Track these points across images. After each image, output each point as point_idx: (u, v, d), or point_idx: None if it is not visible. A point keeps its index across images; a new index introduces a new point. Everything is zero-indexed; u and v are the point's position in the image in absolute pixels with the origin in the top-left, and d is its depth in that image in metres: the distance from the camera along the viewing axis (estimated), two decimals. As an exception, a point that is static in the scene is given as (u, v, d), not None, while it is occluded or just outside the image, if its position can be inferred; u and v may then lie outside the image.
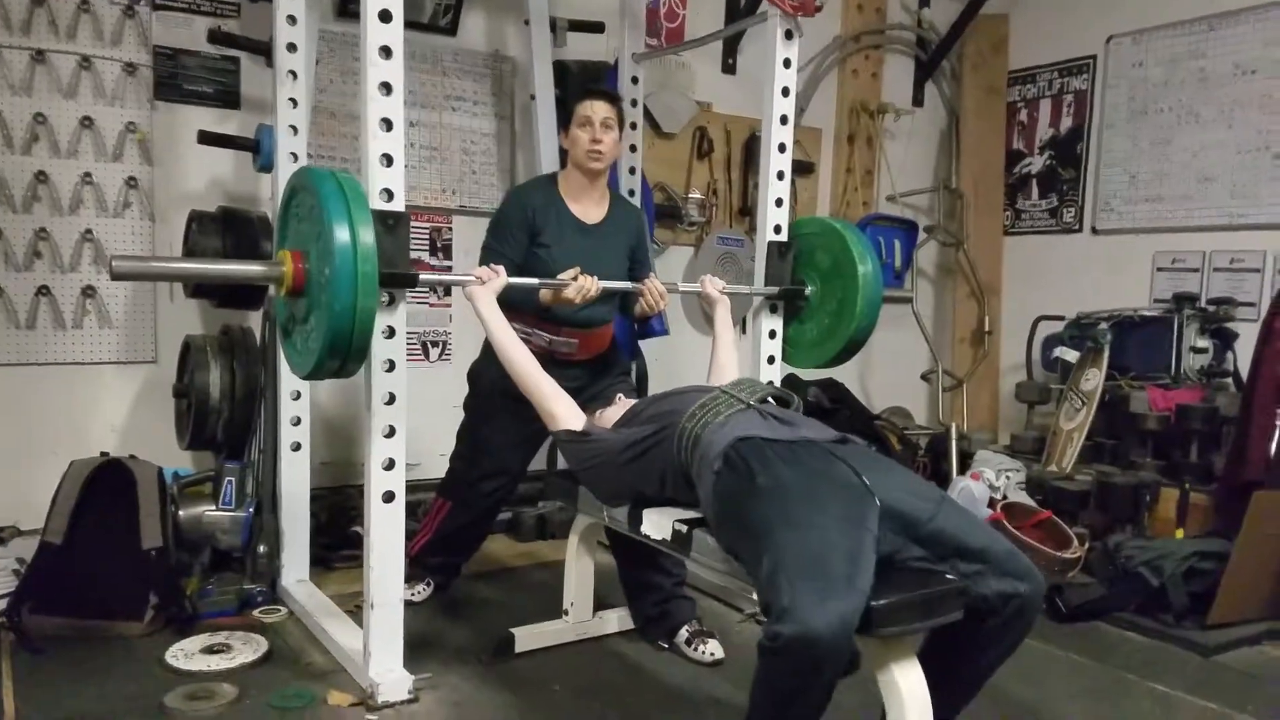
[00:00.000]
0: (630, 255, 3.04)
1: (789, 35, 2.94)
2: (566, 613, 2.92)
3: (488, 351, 2.95)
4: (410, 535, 2.91)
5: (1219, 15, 4.45)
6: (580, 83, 4.05)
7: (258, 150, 3.38)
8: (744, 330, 3.61)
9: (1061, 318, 4.68)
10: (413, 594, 3.12)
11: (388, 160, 2.31)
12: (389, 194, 2.31)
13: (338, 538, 3.59)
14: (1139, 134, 4.80)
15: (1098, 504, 3.84)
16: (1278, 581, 3.24)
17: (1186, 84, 4.60)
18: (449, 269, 4.10)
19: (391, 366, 2.38)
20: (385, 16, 2.28)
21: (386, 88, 2.30)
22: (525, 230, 2.86)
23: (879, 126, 5.20)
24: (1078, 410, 4.27)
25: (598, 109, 2.87)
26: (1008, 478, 4.10)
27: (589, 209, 2.96)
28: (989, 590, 1.88)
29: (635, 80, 3.85)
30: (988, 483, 4.05)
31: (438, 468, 3.31)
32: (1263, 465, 3.40)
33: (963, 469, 4.38)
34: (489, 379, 2.96)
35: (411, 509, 2.74)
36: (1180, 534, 3.57)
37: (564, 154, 3.05)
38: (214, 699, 2.42)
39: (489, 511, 3.20)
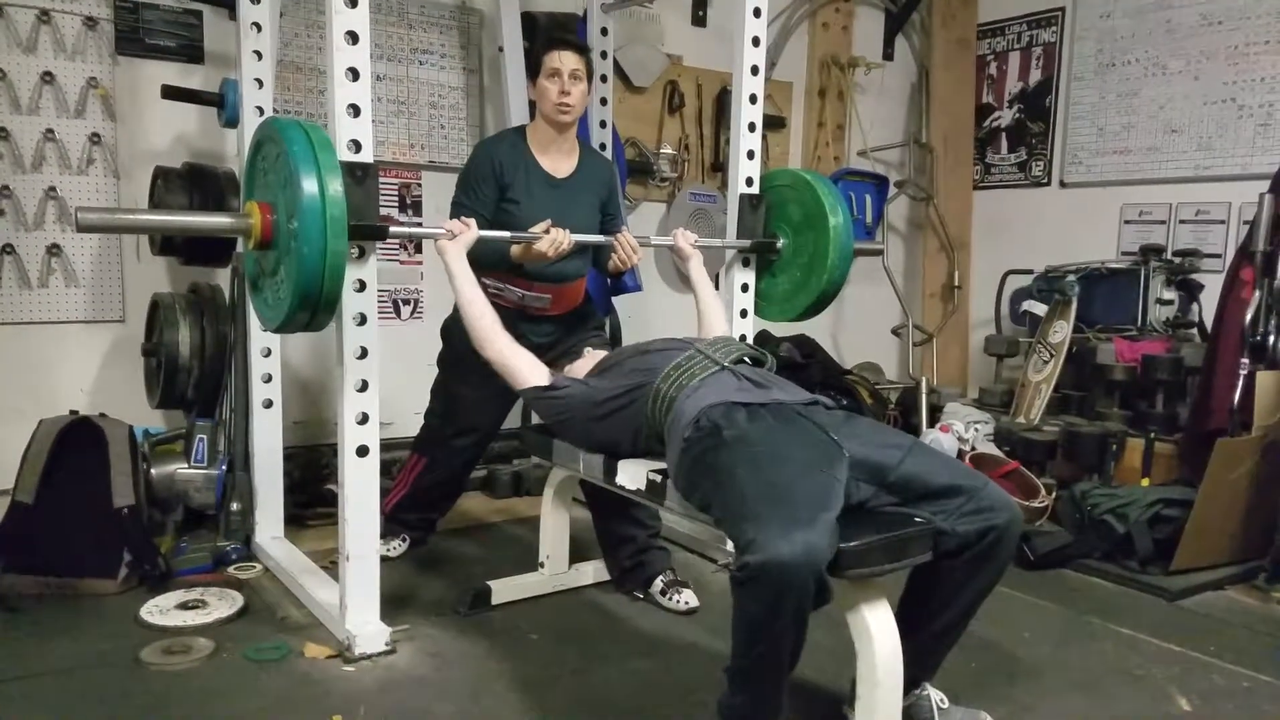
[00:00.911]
0: (602, 209, 3.03)
1: (759, -16, 2.93)
2: (542, 565, 2.94)
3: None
4: (385, 492, 2.92)
5: (1187, -34, 4.46)
6: (549, 34, 4.01)
7: (222, 105, 3.32)
8: (716, 286, 3.62)
9: (1030, 271, 4.72)
10: (388, 550, 3.13)
11: (354, 110, 2.29)
12: (356, 145, 2.29)
13: (312, 495, 3.60)
14: (1106, 86, 4.82)
15: (1065, 454, 3.90)
16: (1241, 527, 3.32)
17: (1154, 35, 4.61)
18: (419, 225, 4.07)
19: (363, 320, 2.37)
20: (349, -36, 2.25)
21: (352, 36, 2.27)
22: (494, 184, 2.84)
23: (850, 80, 5.19)
24: (1045, 362, 4.32)
25: (566, 60, 2.83)
26: (976, 429, 4.16)
27: (559, 162, 2.94)
28: (965, 526, 1.91)
29: (605, 32, 3.82)
30: (957, 435, 4.11)
31: (411, 426, 3.31)
32: (1227, 414, 3.44)
33: (932, 422, 4.44)
34: (461, 335, 2.95)
35: (386, 467, 2.74)
36: (1146, 483, 3.64)
37: (532, 106, 3.02)
38: (190, 653, 2.43)
39: (464, 467, 3.21)
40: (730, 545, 3.07)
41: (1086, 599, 3.10)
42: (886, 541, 1.86)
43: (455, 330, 3.03)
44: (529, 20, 4.04)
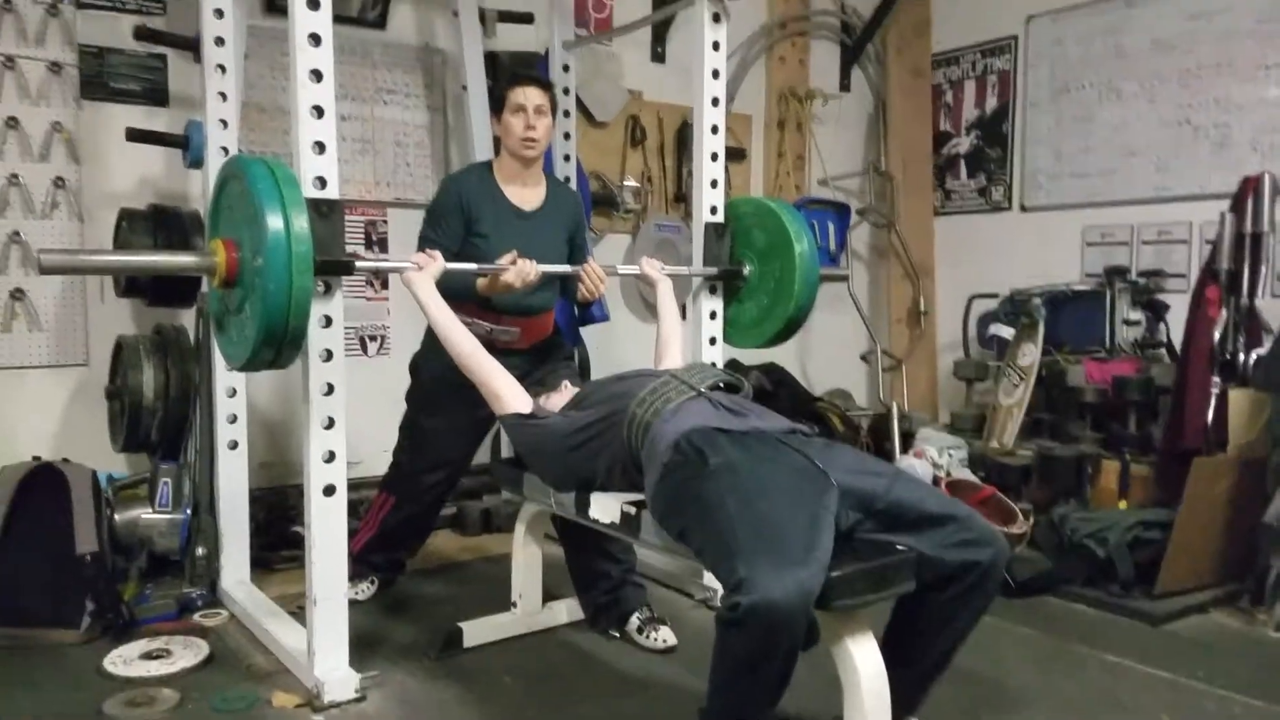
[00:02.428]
0: (569, 241, 3.03)
1: (716, 18, 2.96)
2: (515, 604, 2.89)
3: (429, 342, 2.93)
4: (352, 533, 2.87)
5: (1136, -9, 4.55)
6: (512, 70, 4.03)
7: (187, 146, 3.31)
8: (684, 315, 3.62)
9: (995, 295, 4.77)
10: (356, 592, 3.07)
11: (320, 147, 2.28)
12: (322, 181, 2.28)
13: (278, 538, 3.52)
14: (1062, 111, 4.90)
15: (1040, 478, 3.90)
16: (1222, 548, 3.29)
17: (1106, 60, 4.69)
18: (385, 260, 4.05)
19: (329, 356, 2.34)
20: (313, 3, 2.26)
21: (317, 75, 2.27)
22: (460, 218, 2.83)
23: (808, 112, 5.25)
24: (1016, 386, 4.34)
25: (530, 95, 2.83)
26: (950, 455, 4.15)
27: (525, 195, 2.94)
28: (951, 557, 1.88)
29: (566, 69, 3.85)
30: (931, 460, 4.10)
31: (379, 465, 3.26)
32: (1200, 433, 3.44)
33: (905, 448, 4.44)
34: (430, 370, 2.94)
35: (353, 507, 2.69)
36: (1123, 505, 3.62)
37: (497, 142, 3.02)
38: (154, 704, 2.36)
39: (433, 504, 3.17)
40: (708, 579, 3.11)
41: (1070, 626, 3.06)
42: (870, 571, 1.83)
43: (422, 365, 3.01)
44: (492, 59, 4.07)
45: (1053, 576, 3.35)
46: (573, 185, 3.77)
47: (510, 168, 2.92)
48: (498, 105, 2.91)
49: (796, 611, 1.62)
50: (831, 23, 5.44)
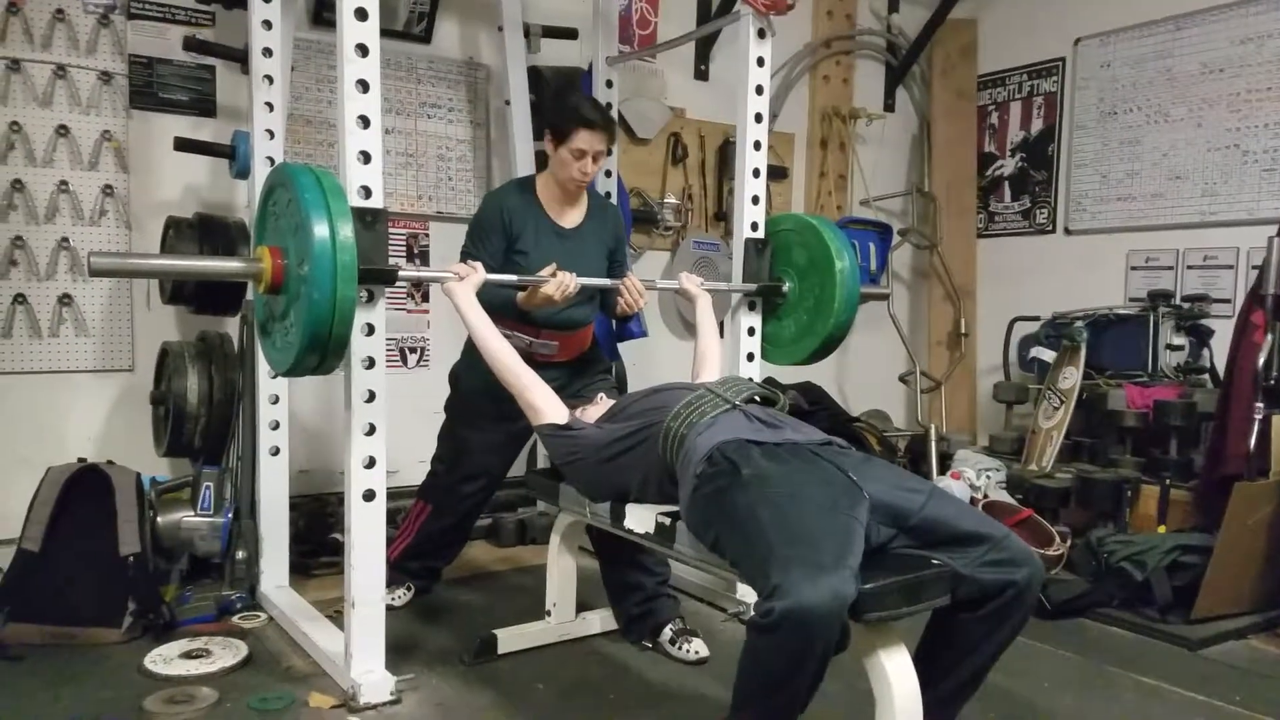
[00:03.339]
0: (610, 257, 3.04)
1: (761, 34, 2.97)
2: (549, 613, 2.90)
3: (469, 353, 2.96)
4: (389, 541, 2.90)
5: (1185, 15, 4.52)
6: (559, 90, 4.06)
7: (234, 156, 3.37)
8: (722, 333, 3.63)
9: (1037, 318, 4.72)
10: (393, 598, 3.09)
11: (365, 157, 2.31)
12: (367, 190, 2.31)
13: (317, 545, 3.57)
14: (1109, 134, 4.87)
15: (1079, 501, 3.85)
16: (1261, 574, 3.25)
17: (1155, 84, 4.66)
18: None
19: (371, 363, 2.37)
20: (361, 14, 2.29)
21: (363, 85, 2.30)
22: (502, 234, 2.86)
23: (851, 131, 5.25)
24: (1056, 409, 4.29)
25: (596, 142, 2.79)
26: (988, 477, 4.12)
27: (567, 213, 2.95)
28: (985, 576, 1.86)
29: (610, 84, 3.88)
30: (968, 482, 4.07)
31: (417, 474, 3.29)
32: (1243, 459, 3.39)
33: (942, 470, 4.40)
34: (470, 380, 2.96)
35: (391, 516, 2.72)
36: (1162, 530, 3.58)
37: (539, 155, 3.04)
38: (193, 702, 2.39)
39: (469, 514, 3.18)
40: (740, 592, 3.10)
41: (1106, 648, 3.04)
42: (904, 584, 1.81)
43: (463, 376, 3.03)
44: (535, 75, 4.11)
45: (1089, 599, 3.31)
46: (613, 200, 3.79)
47: (554, 190, 2.93)
48: (557, 134, 2.82)
49: (831, 616, 1.62)
50: (877, 42, 5.44)
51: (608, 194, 3.80)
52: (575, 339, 2.98)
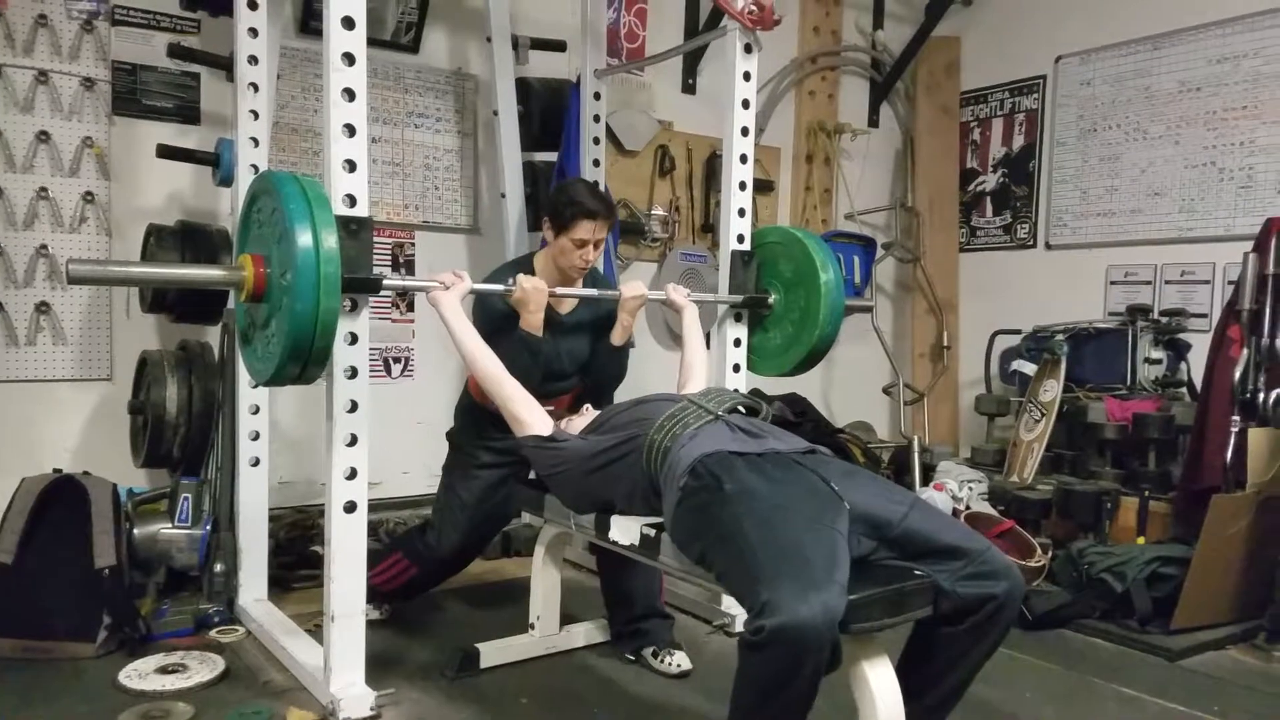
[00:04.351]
0: (600, 325, 2.98)
1: (748, 49, 2.97)
2: (533, 626, 2.88)
3: (463, 414, 3.03)
4: (370, 560, 2.85)
5: (1163, 35, 4.57)
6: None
7: (217, 164, 3.34)
8: (708, 344, 3.63)
9: (1018, 331, 4.76)
10: (372, 612, 3.06)
11: (350, 166, 2.30)
12: (351, 199, 2.30)
13: (296, 557, 3.53)
14: (1089, 151, 4.91)
15: (1060, 513, 3.88)
16: (1239, 585, 3.29)
17: (1134, 102, 4.71)
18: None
19: (354, 373, 2.35)
20: (348, 23, 2.28)
21: (349, 94, 2.29)
22: (507, 317, 2.77)
23: (836, 146, 5.28)
24: (1037, 421, 4.32)
25: (598, 231, 2.78)
26: (970, 488, 4.13)
27: (564, 301, 2.90)
28: (966, 590, 1.87)
29: (598, 96, 3.87)
30: (951, 493, 4.07)
31: (400, 486, 3.28)
32: (1220, 471, 3.44)
33: (926, 481, 4.41)
34: (468, 437, 2.99)
35: (372, 528, 2.70)
36: (1141, 541, 3.61)
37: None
38: (169, 718, 2.35)
39: (455, 571, 3.21)
40: (725, 604, 3.09)
41: (1087, 659, 3.05)
42: (887, 595, 1.82)
43: (460, 434, 3.05)
44: (523, 85, 4.10)
45: (1070, 610, 3.33)
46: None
47: (553, 273, 2.87)
48: (558, 223, 2.80)
49: (823, 632, 1.61)
50: (862, 59, 5.47)
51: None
52: (567, 399, 2.96)
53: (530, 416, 2.44)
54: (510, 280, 2.67)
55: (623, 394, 3.12)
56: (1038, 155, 5.16)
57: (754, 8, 2.89)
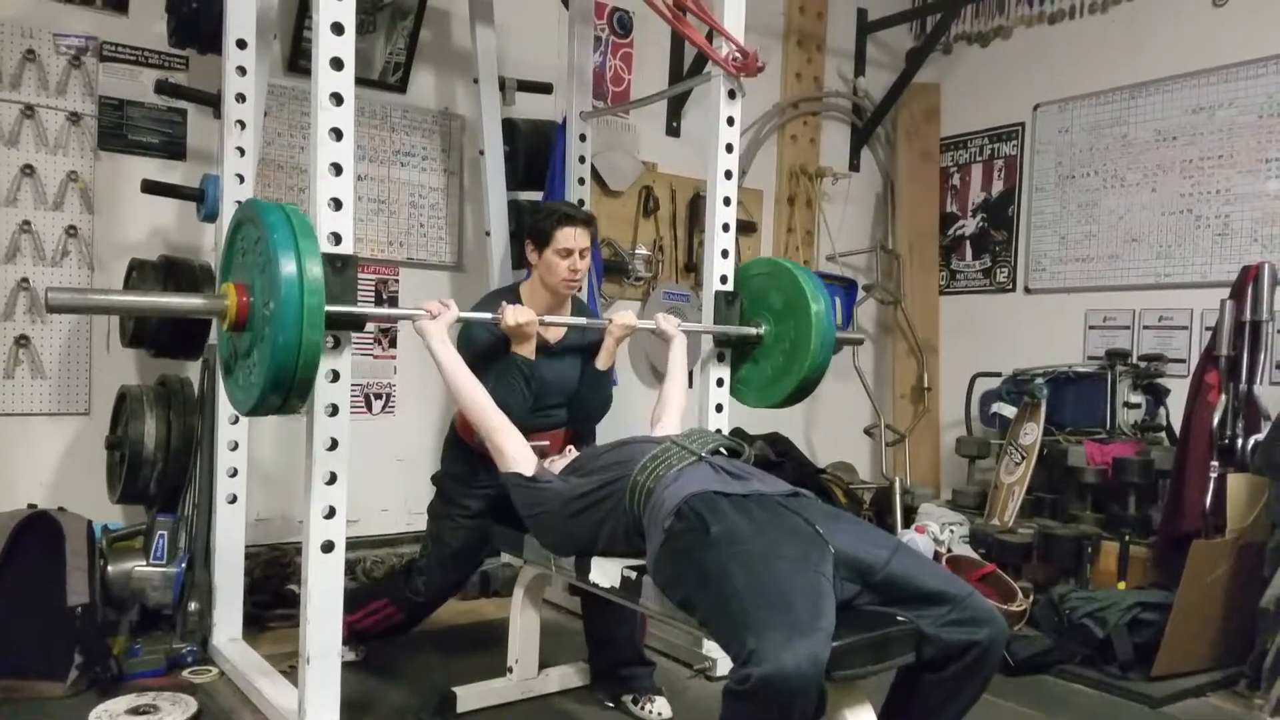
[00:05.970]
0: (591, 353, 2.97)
1: (732, 94, 3.01)
2: (511, 670, 2.85)
3: (450, 455, 3.01)
4: (353, 601, 2.83)
5: (1140, 85, 4.65)
6: (531, 143, 4.10)
7: (202, 199, 3.34)
8: (691, 383, 3.63)
9: (998, 374, 4.79)
10: (348, 654, 3.01)
11: (336, 204, 2.29)
12: (337, 237, 2.29)
13: (273, 596, 3.48)
14: (1067, 197, 4.98)
15: (1040, 557, 3.89)
16: (1220, 631, 3.30)
17: (1111, 150, 4.79)
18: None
19: (335, 411, 2.33)
20: (337, 64, 2.29)
21: (337, 133, 2.29)
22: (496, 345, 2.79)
23: (818, 189, 5.33)
24: (1017, 464, 4.33)
25: (580, 238, 2.79)
26: (952, 531, 4.13)
27: (550, 329, 2.89)
28: (949, 636, 1.86)
29: (583, 138, 3.90)
30: (933, 536, 4.08)
31: (378, 524, 3.25)
32: (1199, 516, 3.46)
33: (907, 523, 4.41)
34: (452, 483, 2.98)
35: (349, 566, 2.67)
36: (1122, 586, 3.62)
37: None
38: (141, 760, 2.32)
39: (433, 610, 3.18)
40: (706, 648, 3.06)
41: (1069, 706, 3.05)
42: (871, 641, 1.81)
43: (445, 478, 3.03)
44: (509, 126, 4.13)
45: (1052, 655, 3.33)
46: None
47: (543, 300, 2.87)
48: (539, 238, 2.83)
49: (809, 681, 1.61)
50: (843, 104, 5.55)
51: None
52: (557, 435, 2.94)
53: (514, 450, 2.42)
54: (498, 309, 2.67)
55: (604, 428, 3.12)
56: (1017, 200, 5.22)
57: (738, 55, 2.93)
